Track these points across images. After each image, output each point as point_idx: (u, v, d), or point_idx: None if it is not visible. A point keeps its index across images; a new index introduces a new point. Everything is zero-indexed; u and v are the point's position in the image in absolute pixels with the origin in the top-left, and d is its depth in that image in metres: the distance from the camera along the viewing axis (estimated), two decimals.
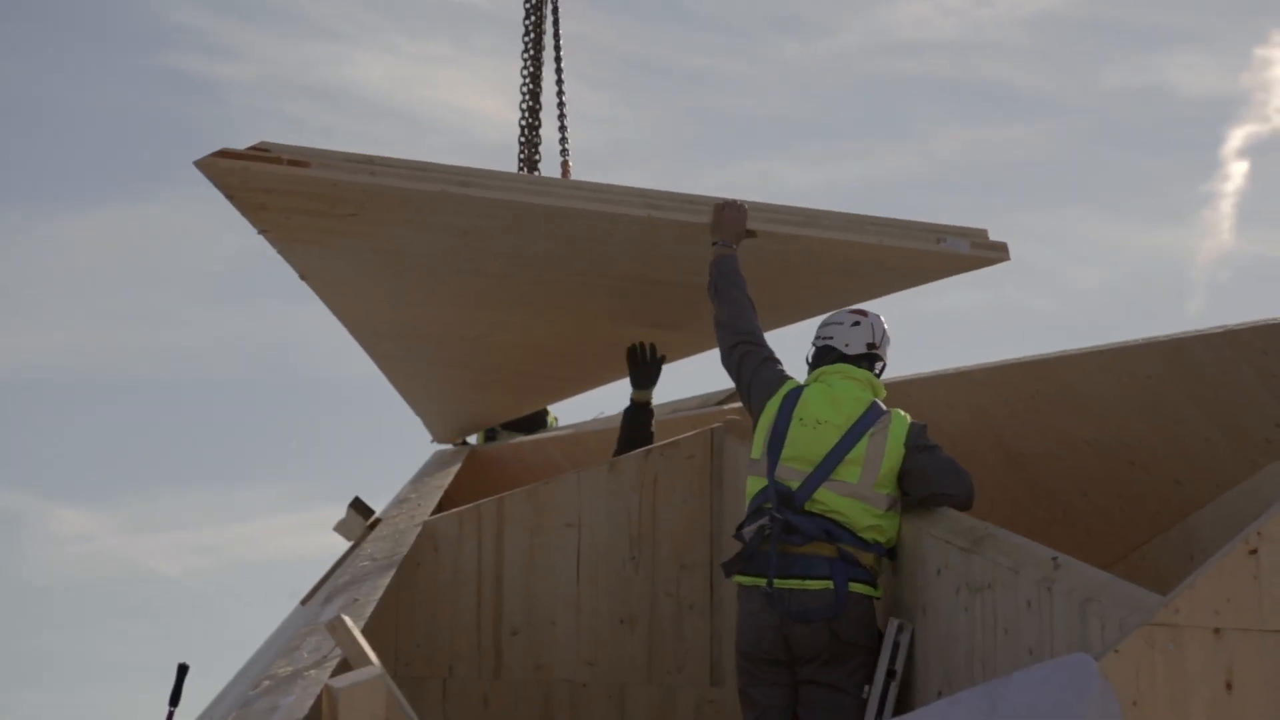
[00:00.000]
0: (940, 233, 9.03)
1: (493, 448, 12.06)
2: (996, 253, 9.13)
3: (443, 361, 10.86)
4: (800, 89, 27.14)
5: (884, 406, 7.54)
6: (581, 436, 11.60)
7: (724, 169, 27.42)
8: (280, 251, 9.13)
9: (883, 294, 9.58)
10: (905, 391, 9.04)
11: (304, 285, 9.57)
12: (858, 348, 7.73)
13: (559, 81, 12.68)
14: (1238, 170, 24.82)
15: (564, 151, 12.63)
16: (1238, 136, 24.98)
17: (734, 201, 8.33)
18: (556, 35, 12.64)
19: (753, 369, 7.81)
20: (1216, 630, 5.29)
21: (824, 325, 7.89)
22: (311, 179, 8.42)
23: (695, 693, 9.35)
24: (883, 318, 7.90)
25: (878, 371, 7.78)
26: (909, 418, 7.47)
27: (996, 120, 27.08)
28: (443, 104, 27.72)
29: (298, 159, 8.36)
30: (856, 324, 7.78)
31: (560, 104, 12.64)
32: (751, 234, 8.38)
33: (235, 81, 27.94)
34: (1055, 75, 26.91)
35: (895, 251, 9.03)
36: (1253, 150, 25.03)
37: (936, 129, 27.30)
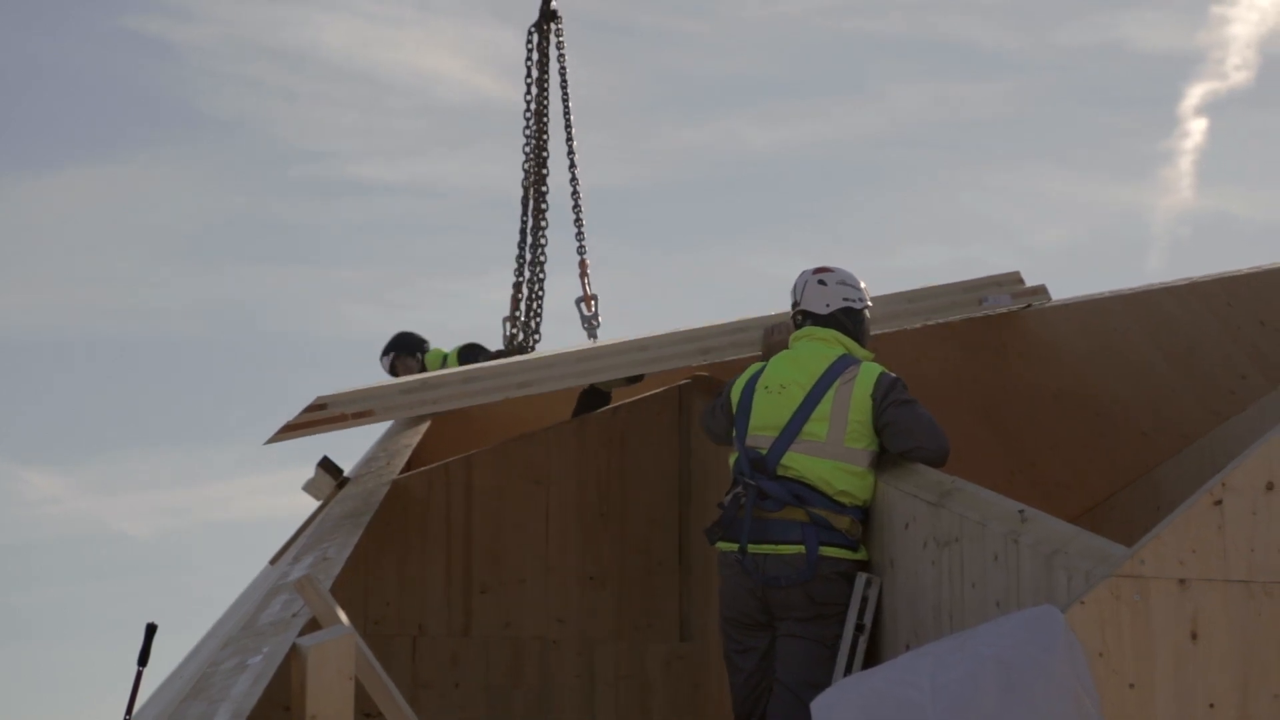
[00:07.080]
0: (979, 291, 9.30)
1: (460, 409, 11.97)
2: (1037, 297, 9.40)
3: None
4: (761, 48, 27.03)
5: (856, 359, 7.47)
6: (549, 394, 11.57)
7: (688, 130, 27.34)
8: None
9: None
10: (872, 345, 9.05)
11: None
12: (829, 307, 7.64)
13: (568, 126, 12.32)
14: (1196, 127, 24.83)
15: (576, 205, 12.21)
16: (1195, 94, 24.98)
17: (784, 324, 8.02)
18: (564, 81, 12.30)
19: (720, 394, 7.77)
20: (1182, 581, 5.32)
21: (793, 291, 7.77)
22: (377, 420, 8.88)
23: (665, 648, 9.36)
24: (843, 271, 7.72)
25: (854, 312, 7.59)
26: (880, 369, 7.41)
27: (957, 78, 27.02)
28: (405, 66, 27.56)
29: (361, 411, 8.81)
30: (822, 283, 7.69)
31: (570, 149, 12.29)
32: None
33: (195, 44, 27.74)
34: (1014, 32, 26.85)
35: (941, 322, 9.31)
36: (1211, 107, 25.03)
37: (897, 87, 27.23)
